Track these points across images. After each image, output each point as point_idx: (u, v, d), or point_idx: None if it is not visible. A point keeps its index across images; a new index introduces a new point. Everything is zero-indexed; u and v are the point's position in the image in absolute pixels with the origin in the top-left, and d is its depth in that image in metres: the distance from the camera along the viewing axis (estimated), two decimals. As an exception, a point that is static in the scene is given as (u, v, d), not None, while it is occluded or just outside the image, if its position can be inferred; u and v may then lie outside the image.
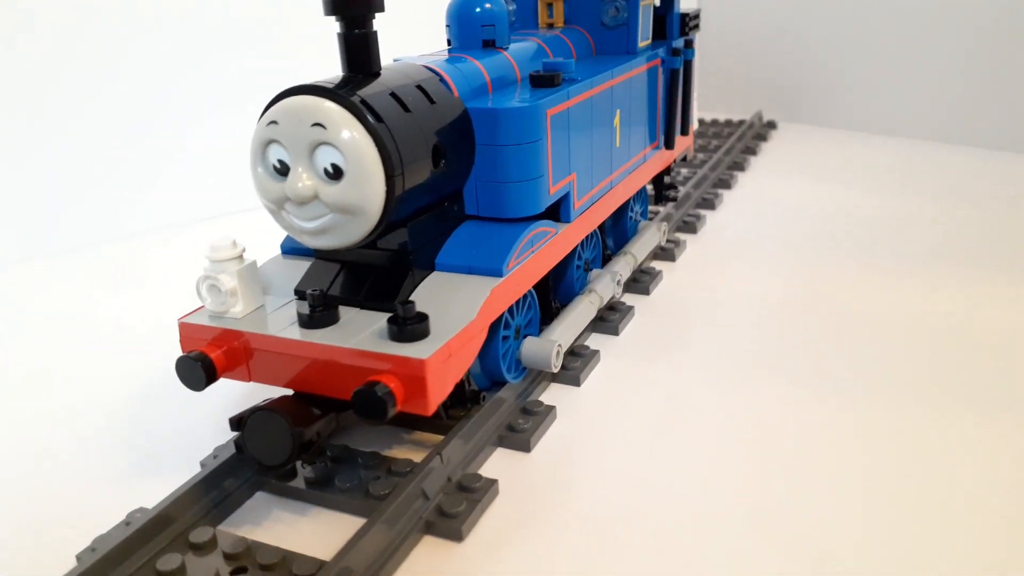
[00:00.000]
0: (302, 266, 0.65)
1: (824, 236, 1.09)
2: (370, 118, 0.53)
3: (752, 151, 1.54)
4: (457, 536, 0.55)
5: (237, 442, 0.55)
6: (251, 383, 0.59)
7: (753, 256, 1.03)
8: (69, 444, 0.69)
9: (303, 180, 0.54)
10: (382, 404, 0.50)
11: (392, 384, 0.51)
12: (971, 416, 0.66)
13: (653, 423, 0.67)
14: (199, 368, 0.55)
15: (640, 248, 0.92)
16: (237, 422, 0.54)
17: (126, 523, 0.56)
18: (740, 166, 1.43)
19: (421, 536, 0.55)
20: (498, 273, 0.61)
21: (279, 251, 0.69)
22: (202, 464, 0.63)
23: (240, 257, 0.58)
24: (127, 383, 0.79)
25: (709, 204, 1.22)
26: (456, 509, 0.55)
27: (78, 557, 0.54)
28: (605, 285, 0.80)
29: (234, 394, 0.73)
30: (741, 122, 1.73)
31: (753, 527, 0.55)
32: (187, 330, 0.58)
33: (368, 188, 0.54)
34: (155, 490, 0.61)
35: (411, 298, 0.59)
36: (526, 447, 0.64)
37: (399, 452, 0.64)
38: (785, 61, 1.84)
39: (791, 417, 0.67)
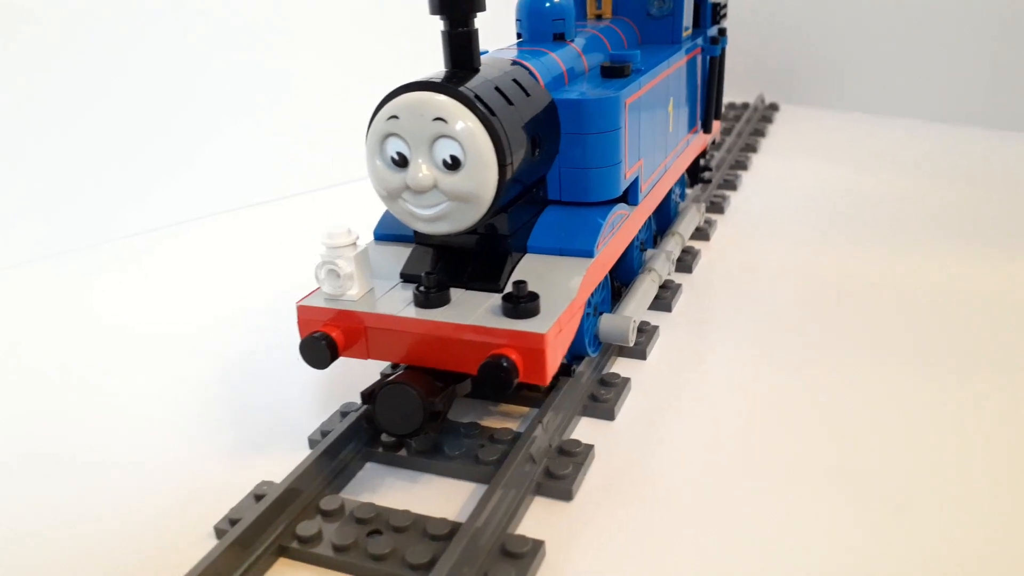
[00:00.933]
0: (398, 251, 0.69)
1: (842, 215, 1.14)
2: (485, 111, 0.57)
3: (761, 133, 1.59)
4: (567, 496, 0.59)
5: (367, 414, 0.58)
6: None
7: (779, 234, 1.09)
8: (171, 427, 0.72)
9: (423, 171, 0.58)
10: (508, 375, 0.55)
11: (513, 357, 0.56)
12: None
13: (717, 391, 0.72)
14: (324, 347, 0.59)
15: (685, 228, 0.97)
16: (368, 395, 0.58)
17: (255, 495, 0.60)
18: (752, 148, 1.49)
19: (532, 498, 0.60)
20: (590, 254, 0.66)
21: (372, 238, 0.73)
22: (310, 439, 0.67)
23: (354, 244, 0.62)
24: (211, 369, 0.82)
25: (731, 185, 1.27)
26: (564, 471, 0.60)
27: (216, 528, 0.58)
28: (662, 264, 0.85)
29: (312, 376, 0.77)
30: (744, 104, 1.78)
31: (828, 482, 0.60)
32: (305, 312, 0.62)
33: (484, 177, 0.58)
34: (267, 465, 0.65)
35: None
36: (610, 416, 0.69)
37: (492, 423, 0.68)
38: (784, 43, 1.89)
39: (842, 381, 0.73)
